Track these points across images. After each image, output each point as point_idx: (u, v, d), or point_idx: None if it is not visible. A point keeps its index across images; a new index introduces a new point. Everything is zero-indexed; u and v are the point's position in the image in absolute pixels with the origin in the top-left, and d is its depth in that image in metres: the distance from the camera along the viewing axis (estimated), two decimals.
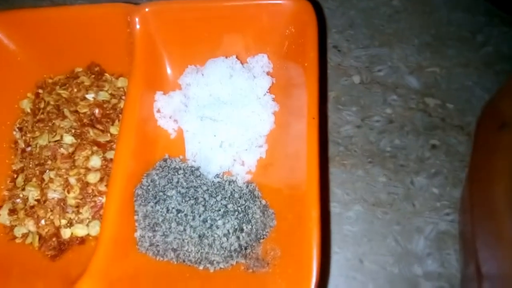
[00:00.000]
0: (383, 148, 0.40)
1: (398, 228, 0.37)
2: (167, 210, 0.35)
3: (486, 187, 0.29)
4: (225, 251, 0.33)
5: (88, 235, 0.37)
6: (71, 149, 0.38)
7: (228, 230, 0.34)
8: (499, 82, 0.41)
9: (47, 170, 0.38)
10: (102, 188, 0.38)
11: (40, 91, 0.43)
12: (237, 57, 0.40)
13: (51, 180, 0.37)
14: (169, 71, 0.42)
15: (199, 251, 0.33)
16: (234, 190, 0.37)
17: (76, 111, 0.40)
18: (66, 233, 0.37)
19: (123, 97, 0.42)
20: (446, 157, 0.39)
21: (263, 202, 0.36)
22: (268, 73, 0.40)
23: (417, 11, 0.45)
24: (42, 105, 0.41)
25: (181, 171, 0.38)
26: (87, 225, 0.37)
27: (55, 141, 0.38)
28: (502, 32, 0.43)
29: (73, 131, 0.39)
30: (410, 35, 0.44)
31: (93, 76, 0.43)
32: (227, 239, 0.33)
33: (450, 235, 0.36)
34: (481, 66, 0.42)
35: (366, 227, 0.37)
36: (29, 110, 0.42)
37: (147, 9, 0.39)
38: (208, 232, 0.34)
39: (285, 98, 0.40)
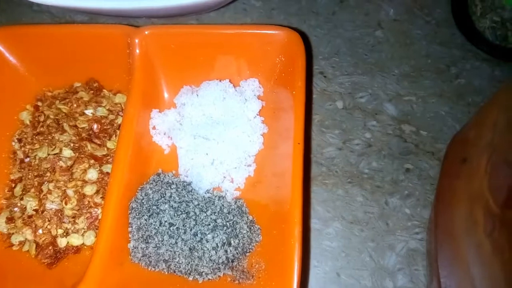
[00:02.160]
0: (361, 170, 0.43)
1: (372, 245, 0.40)
2: (160, 223, 0.37)
3: (448, 211, 0.32)
4: (213, 263, 0.36)
5: (83, 244, 0.40)
6: (69, 162, 0.40)
7: (217, 244, 0.36)
8: (469, 113, 0.45)
9: (46, 182, 0.40)
10: (97, 200, 0.40)
11: (40, 103, 0.45)
12: (230, 81, 0.43)
13: (49, 192, 0.39)
14: (165, 90, 0.45)
15: (189, 263, 0.36)
16: (223, 205, 0.39)
17: (75, 126, 0.42)
18: (62, 242, 0.39)
19: (120, 113, 0.44)
20: (418, 180, 0.42)
21: (250, 218, 0.39)
22: (258, 97, 0.43)
23: (399, 43, 0.49)
24: (42, 118, 0.43)
25: (173, 186, 0.40)
26: (83, 235, 0.39)
27: (55, 154, 0.40)
28: (475, 66, 0.47)
29: (71, 145, 0.41)
30: (390, 65, 0.48)
31: (91, 91, 0.45)
32: (216, 252, 0.36)
33: (419, 252, 0.39)
34: (453, 97, 0.46)
35: (344, 243, 0.40)
36: (28, 122, 0.44)
37: (146, 32, 0.41)
38: (198, 245, 0.36)
39: (273, 121, 0.43)
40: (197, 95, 0.43)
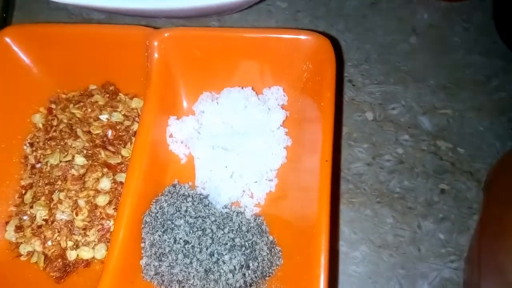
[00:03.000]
0: (392, 189, 0.40)
1: (402, 272, 0.37)
2: (175, 241, 0.35)
3: (498, 243, 0.29)
4: (230, 287, 0.33)
5: (94, 258, 0.37)
6: (82, 171, 0.38)
7: (234, 266, 0.34)
8: (511, 129, 0.41)
9: (57, 191, 0.38)
10: (110, 211, 0.38)
11: (53, 106, 0.43)
12: (253, 88, 0.40)
13: (60, 201, 0.37)
14: (184, 96, 0.42)
15: (204, 285, 0.33)
16: (241, 222, 0.37)
17: (89, 132, 0.40)
18: (72, 255, 0.37)
19: (137, 119, 0.42)
20: (454, 203, 0.39)
21: (271, 238, 0.36)
22: (282, 106, 0.40)
23: (434, 51, 0.46)
24: (55, 123, 0.41)
25: (189, 199, 0.38)
26: (93, 248, 0.37)
27: (67, 161, 0.38)
28: None
29: (84, 152, 0.39)
30: (425, 74, 0.44)
31: (107, 95, 0.43)
32: (233, 276, 0.33)
33: (453, 282, 0.36)
34: (494, 111, 0.42)
35: (372, 269, 0.37)
36: (41, 126, 0.42)
37: (166, 34, 0.39)
38: (214, 267, 0.34)
39: (298, 132, 0.40)
40: (217, 103, 0.40)
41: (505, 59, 0.44)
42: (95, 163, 0.39)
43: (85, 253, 0.37)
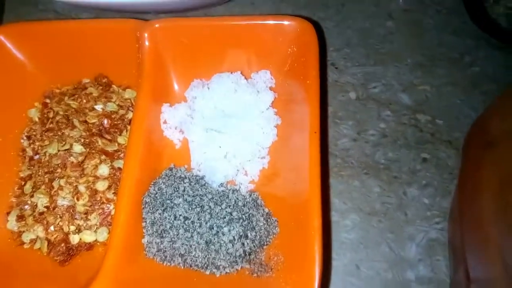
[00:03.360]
0: (377, 161, 0.42)
1: (391, 236, 0.39)
2: (175, 217, 0.37)
3: (474, 198, 0.31)
4: (230, 256, 0.35)
5: (96, 241, 0.39)
6: (80, 158, 0.39)
7: (233, 237, 0.35)
8: (484, 101, 0.44)
9: (57, 178, 0.39)
10: (110, 195, 0.39)
11: (48, 100, 0.44)
12: (241, 73, 0.42)
13: (60, 188, 0.38)
14: (175, 84, 0.44)
15: (205, 256, 0.35)
16: (238, 198, 0.39)
17: (85, 121, 0.41)
18: (74, 239, 0.38)
19: (131, 108, 0.43)
20: (436, 170, 0.41)
21: (266, 210, 0.38)
22: (271, 88, 0.42)
23: (410, 33, 0.48)
24: (51, 115, 0.42)
25: (186, 180, 0.40)
26: (95, 231, 0.39)
27: (65, 150, 0.40)
28: (488, 54, 0.47)
29: (82, 140, 0.40)
30: (403, 55, 0.47)
31: (100, 87, 0.44)
32: (233, 245, 0.35)
33: (439, 242, 0.38)
34: (468, 85, 0.45)
35: (362, 235, 0.39)
36: (37, 119, 0.43)
37: (156, 25, 0.41)
38: (214, 239, 0.35)
39: (286, 113, 0.42)
40: (208, 88, 0.42)
41: (475, 37, 0.47)
42: (93, 151, 0.40)
43: (88, 237, 0.38)
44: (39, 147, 0.41)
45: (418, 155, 0.42)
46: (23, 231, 0.39)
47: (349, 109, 0.45)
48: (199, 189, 0.39)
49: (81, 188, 0.39)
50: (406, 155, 0.42)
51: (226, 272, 0.35)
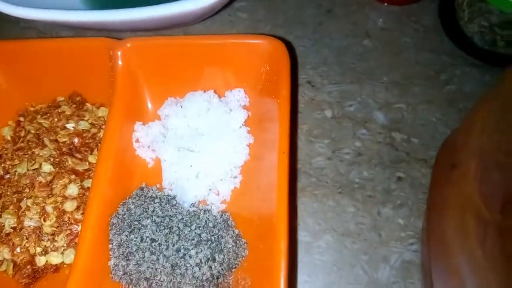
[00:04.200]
0: (352, 180, 0.42)
1: (365, 258, 0.38)
2: (141, 239, 0.36)
3: (440, 220, 0.31)
4: (197, 280, 0.34)
5: (63, 263, 0.38)
6: (49, 178, 0.39)
7: (200, 260, 0.35)
8: (460, 119, 0.44)
9: (25, 198, 0.38)
10: (78, 216, 0.39)
11: (22, 119, 0.44)
12: (215, 91, 0.42)
13: (28, 208, 0.38)
14: (149, 102, 0.44)
15: (171, 280, 0.34)
16: (208, 219, 0.38)
17: (56, 140, 0.41)
18: (41, 261, 0.37)
19: (103, 127, 0.43)
20: (411, 189, 0.41)
21: (236, 231, 0.37)
22: (244, 107, 0.42)
23: (387, 51, 0.48)
24: (22, 134, 0.42)
25: (157, 200, 0.39)
26: (62, 253, 0.38)
27: (34, 169, 0.39)
28: (465, 72, 0.46)
29: (52, 159, 0.40)
30: (379, 73, 0.47)
31: (74, 105, 0.44)
32: (199, 269, 0.34)
33: (414, 264, 0.38)
34: (444, 103, 0.45)
35: (336, 257, 0.38)
36: (9, 138, 0.43)
37: (128, 45, 0.41)
38: (180, 262, 0.35)
39: (259, 131, 0.41)
40: (181, 106, 0.42)
41: (452, 55, 0.47)
42: (62, 170, 0.40)
43: (54, 258, 0.37)
44: (10, 166, 0.41)
45: (393, 174, 0.42)
46: None
47: (325, 127, 0.44)
48: (170, 209, 0.39)
49: (48, 208, 0.38)
50: (381, 174, 0.42)
51: None
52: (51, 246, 0.38)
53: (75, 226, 0.38)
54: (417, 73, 0.47)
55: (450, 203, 0.28)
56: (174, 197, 0.40)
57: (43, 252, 0.38)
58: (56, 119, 0.42)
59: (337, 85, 0.47)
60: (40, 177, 0.39)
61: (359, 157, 0.43)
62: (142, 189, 0.40)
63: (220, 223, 0.38)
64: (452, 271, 0.26)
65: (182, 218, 0.38)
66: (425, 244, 0.33)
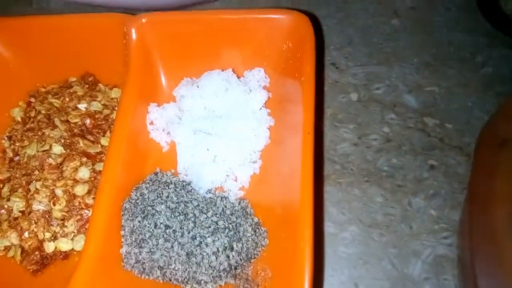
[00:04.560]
0: (380, 167, 0.39)
1: (394, 251, 0.35)
2: (155, 226, 0.34)
3: (486, 210, 0.27)
4: (213, 270, 0.32)
5: (73, 250, 0.36)
6: (59, 160, 0.37)
7: (217, 248, 0.32)
8: (499, 103, 0.40)
9: (34, 181, 0.36)
10: (89, 201, 0.37)
11: (32, 100, 0.42)
12: (233, 71, 0.40)
13: (36, 191, 0.36)
14: (164, 82, 0.41)
15: (186, 269, 0.32)
16: (226, 206, 0.36)
17: (67, 121, 0.39)
18: (49, 247, 0.35)
19: (116, 108, 0.41)
20: (445, 178, 0.38)
21: (255, 219, 0.35)
22: (264, 88, 0.39)
23: (417, 31, 0.45)
24: (32, 114, 0.40)
25: (172, 185, 0.37)
26: (72, 239, 0.36)
27: (44, 150, 0.37)
28: (502, 54, 0.43)
29: (62, 141, 0.38)
30: (409, 54, 0.44)
31: (86, 86, 0.42)
32: (216, 258, 0.32)
33: (448, 259, 0.35)
34: (480, 87, 0.42)
35: (362, 249, 0.36)
36: (19, 119, 0.41)
37: (144, 20, 0.38)
38: (196, 250, 0.32)
39: (281, 113, 0.39)
40: (198, 87, 0.39)
41: (488, 36, 0.44)
42: (73, 152, 0.38)
43: (64, 245, 0.35)
44: (19, 148, 0.39)
45: (425, 162, 0.39)
46: None
47: (350, 111, 0.42)
48: (185, 195, 0.36)
49: (58, 192, 0.36)
50: (412, 162, 0.39)
51: None
52: (61, 231, 0.36)
53: (86, 211, 0.36)
54: (450, 55, 0.44)
55: (498, 190, 0.25)
56: (189, 183, 0.37)
57: (52, 238, 0.36)
58: (67, 99, 0.40)
59: (363, 67, 0.44)
60: (50, 158, 0.37)
61: (388, 144, 0.40)
62: (156, 174, 0.38)
63: (238, 211, 0.35)
64: (502, 266, 0.23)
65: (198, 205, 0.35)
66: (464, 237, 0.30)
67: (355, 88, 0.43)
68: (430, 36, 0.45)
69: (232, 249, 0.32)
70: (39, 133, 0.38)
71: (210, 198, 0.36)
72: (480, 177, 0.29)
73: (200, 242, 0.33)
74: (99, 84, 0.42)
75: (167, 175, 0.38)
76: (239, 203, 0.36)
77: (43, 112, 0.40)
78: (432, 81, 0.42)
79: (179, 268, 0.32)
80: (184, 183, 0.37)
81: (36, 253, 0.35)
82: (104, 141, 0.39)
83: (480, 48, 0.44)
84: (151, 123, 0.40)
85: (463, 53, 0.44)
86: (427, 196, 0.37)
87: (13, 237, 0.36)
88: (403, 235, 0.36)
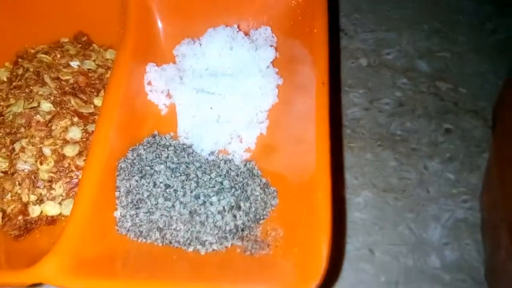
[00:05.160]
0: (393, 132, 0.37)
1: (411, 216, 0.33)
2: (154, 185, 0.31)
3: None
4: (219, 230, 0.29)
5: (61, 214, 0.33)
6: (48, 117, 0.34)
7: (223, 207, 0.29)
8: None
9: (19, 139, 0.33)
10: (80, 163, 0.33)
11: (20, 60, 0.39)
12: (239, 27, 0.37)
13: (22, 149, 0.33)
14: (163, 42, 0.39)
15: (189, 229, 0.29)
16: (230, 168, 0.33)
17: (58, 78, 0.36)
18: (35, 211, 0.32)
19: (111, 68, 0.38)
20: (461, 142, 0.36)
21: (264, 180, 0.32)
22: (271, 46, 0.37)
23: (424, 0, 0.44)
24: (20, 72, 0.37)
25: (171, 148, 0.34)
26: (60, 203, 0.33)
27: (31, 107, 0.34)
28: None
29: (52, 98, 0.35)
30: (418, 21, 0.43)
31: (79, 45, 0.39)
32: (222, 217, 0.29)
33: (468, 223, 0.32)
34: (493, 53, 0.40)
35: (377, 214, 0.33)
36: (5, 79, 0.38)
37: None
38: (200, 209, 0.29)
39: (288, 74, 0.36)
40: (200, 45, 0.37)
41: (496, 4, 0.43)
42: (64, 111, 0.34)
43: (50, 208, 0.32)
44: (4, 108, 0.36)
45: (439, 125, 0.37)
46: None
47: (360, 77, 0.40)
48: (186, 157, 0.33)
49: (46, 150, 0.33)
50: (426, 126, 0.37)
51: (213, 249, 0.29)
52: (48, 194, 0.32)
53: (77, 173, 0.33)
54: (460, 22, 0.43)
55: None
56: (190, 146, 0.35)
57: (38, 201, 0.32)
58: (59, 56, 0.37)
59: (372, 33, 0.42)
60: (38, 115, 0.34)
61: (401, 108, 0.38)
62: (154, 136, 0.35)
63: (244, 172, 0.33)
64: None
65: (201, 166, 0.33)
66: (494, 194, 0.28)
67: (364, 53, 0.41)
68: (438, 4, 0.44)
69: (239, 208, 0.30)
70: (27, 90, 0.35)
71: (213, 160, 0.34)
72: (506, 137, 0.28)
73: (204, 202, 0.30)
74: (93, 44, 0.40)
75: (165, 138, 0.35)
76: (245, 165, 0.33)
77: (31, 69, 0.37)
78: (443, 47, 0.41)
79: (181, 229, 0.29)
80: (185, 146, 0.35)
81: (20, 217, 0.32)
82: (97, 101, 0.36)
83: (488, 16, 0.43)
84: (149, 83, 0.37)
85: (473, 21, 0.42)
86: (444, 160, 0.35)
87: None
88: (420, 199, 0.34)
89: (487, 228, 0.30)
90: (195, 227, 0.29)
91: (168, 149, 0.34)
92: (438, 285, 0.30)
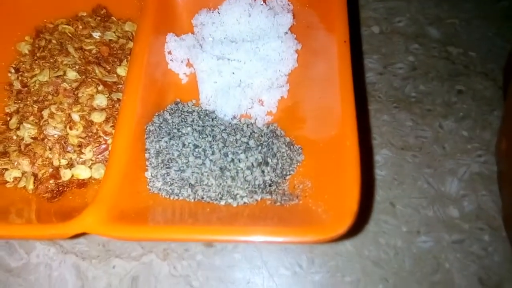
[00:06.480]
0: (408, 94, 0.38)
1: (429, 171, 0.34)
2: (183, 145, 0.32)
3: None
4: (249, 185, 0.30)
5: (91, 178, 0.33)
6: (74, 85, 0.35)
7: (252, 163, 0.31)
8: None
9: (48, 106, 0.34)
10: (107, 128, 0.34)
11: (41, 34, 0.40)
12: None
13: (51, 115, 0.33)
14: (182, 12, 0.40)
15: (220, 184, 0.30)
16: (253, 131, 0.34)
17: (81, 48, 0.37)
18: (66, 175, 0.33)
19: (132, 38, 0.39)
20: (473, 102, 0.37)
21: (288, 139, 0.33)
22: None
23: None
24: (43, 43, 0.38)
25: (195, 113, 0.35)
26: (90, 167, 0.33)
27: (57, 76, 0.35)
28: None
29: (77, 67, 0.36)
30: None
31: (98, 18, 0.40)
32: (251, 172, 0.30)
33: (483, 176, 0.34)
34: (499, 19, 0.42)
35: (396, 171, 0.35)
36: (27, 52, 0.39)
37: None
38: (230, 165, 0.30)
39: (307, 39, 0.38)
40: (219, 13, 0.38)
41: None
42: (89, 80, 0.35)
43: (82, 172, 0.33)
44: (28, 78, 0.36)
45: (452, 87, 0.38)
46: (6, 169, 0.34)
47: (373, 43, 0.41)
48: (210, 120, 0.34)
49: (75, 116, 0.34)
50: (440, 88, 0.38)
51: (245, 202, 0.30)
52: (78, 158, 0.33)
53: (105, 138, 0.34)
54: None
55: None
56: (213, 111, 0.36)
57: (69, 165, 0.33)
58: (80, 27, 0.38)
59: (383, 2, 0.43)
60: (64, 83, 0.34)
61: (414, 71, 0.39)
62: (177, 103, 0.36)
63: (267, 134, 0.34)
64: None
65: (225, 129, 0.34)
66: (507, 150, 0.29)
67: (376, 21, 0.42)
68: None
69: (267, 164, 0.31)
70: (51, 60, 0.36)
71: (235, 124, 0.35)
72: None
73: (233, 159, 0.31)
74: (112, 17, 0.40)
75: (188, 105, 0.36)
76: (268, 127, 0.34)
77: (54, 41, 0.37)
78: (451, 14, 0.42)
79: (212, 184, 0.30)
80: (207, 111, 0.36)
81: (51, 181, 0.33)
82: (120, 70, 0.37)
83: None
84: (169, 52, 0.38)
85: None
86: (458, 119, 0.37)
87: (25, 165, 0.33)
88: (437, 155, 0.35)
89: (505, 179, 0.31)
90: (226, 182, 0.30)
91: (192, 114, 0.35)
92: (458, 233, 0.32)
